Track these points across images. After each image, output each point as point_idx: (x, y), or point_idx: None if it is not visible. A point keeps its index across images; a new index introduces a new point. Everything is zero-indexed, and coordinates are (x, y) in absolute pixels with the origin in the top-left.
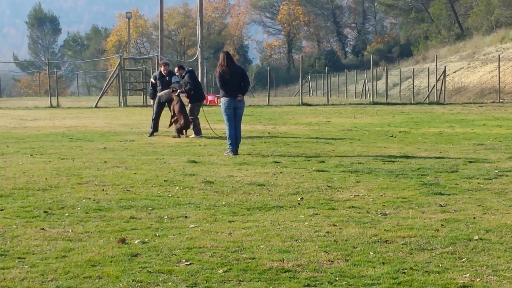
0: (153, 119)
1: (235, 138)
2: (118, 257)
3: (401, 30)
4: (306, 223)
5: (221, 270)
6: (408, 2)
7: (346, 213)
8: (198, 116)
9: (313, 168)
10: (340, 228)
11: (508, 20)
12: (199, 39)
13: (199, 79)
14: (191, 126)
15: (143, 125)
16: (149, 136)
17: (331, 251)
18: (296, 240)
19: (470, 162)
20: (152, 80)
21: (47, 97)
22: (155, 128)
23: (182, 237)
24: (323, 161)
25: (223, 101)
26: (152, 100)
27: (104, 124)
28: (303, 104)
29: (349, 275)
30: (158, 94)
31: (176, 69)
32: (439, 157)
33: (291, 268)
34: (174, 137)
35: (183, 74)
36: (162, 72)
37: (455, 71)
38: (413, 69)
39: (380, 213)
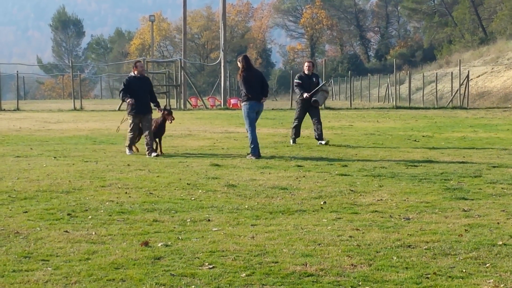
0: (295, 126)
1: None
2: (141, 260)
3: (424, 34)
4: (329, 227)
5: (244, 274)
6: (432, 6)
7: (369, 217)
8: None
9: (336, 172)
10: (363, 233)
11: None
12: (222, 42)
13: (222, 83)
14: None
15: (166, 128)
16: (292, 143)
17: (354, 255)
18: (319, 244)
19: (494, 167)
20: (298, 80)
21: (70, 99)
22: (297, 133)
23: (205, 240)
24: (346, 165)
25: (247, 104)
26: (306, 94)
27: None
28: (326, 108)
29: (372, 279)
30: (314, 98)
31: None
32: (462, 162)
33: (314, 272)
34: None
35: None
36: (306, 72)
37: (479, 76)
38: (436, 73)
39: (403, 218)
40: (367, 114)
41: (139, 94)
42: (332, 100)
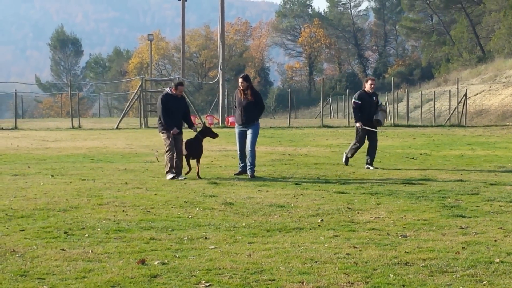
0: (356, 148)
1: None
2: (137, 278)
3: (422, 53)
4: (326, 245)
5: None
6: (430, 25)
7: (366, 235)
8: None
9: (334, 190)
10: (360, 250)
11: None
12: (221, 61)
13: (220, 101)
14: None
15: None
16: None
17: (351, 273)
18: (316, 262)
19: (491, 184)
20: (357, 100)
21: (68, 118)
22: (352, 155)
23: (201, 258)
24: (343, 183)
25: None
26: (359, 124)
27: (125, 146)
28: (324, 126)
29: None
30: (376, 117)
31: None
32: (460, 180)
33: None
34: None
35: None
36: (367, 91)
37: (477, 94)
38: (434, 91)
39: (401, 235)
40: None
41: (174, 114)
42: (330, 118)
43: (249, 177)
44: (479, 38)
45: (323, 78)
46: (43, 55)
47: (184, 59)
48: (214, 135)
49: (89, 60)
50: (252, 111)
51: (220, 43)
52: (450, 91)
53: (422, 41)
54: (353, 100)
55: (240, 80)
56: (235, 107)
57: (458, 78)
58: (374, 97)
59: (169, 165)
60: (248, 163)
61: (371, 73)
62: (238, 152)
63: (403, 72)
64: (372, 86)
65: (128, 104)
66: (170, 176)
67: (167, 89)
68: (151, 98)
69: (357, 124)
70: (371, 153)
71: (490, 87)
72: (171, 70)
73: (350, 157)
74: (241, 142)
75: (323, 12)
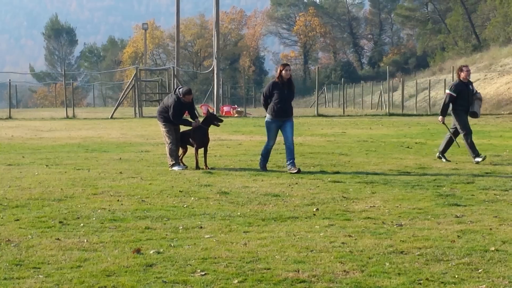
0: (466, 136)
1: None
2: (133, 267)
3: (417, 41)
4: (321, 234)
5: (236, 281)
6: (425, 13)
7: (361, 224)
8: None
9: (329, 179)
10: (355, 239)
11: None
12: (215, 50)
13: (215, 91)
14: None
15: (158, 135)
16: (478, 160)
17: (346, 261)
18: (311, 251)
19: (487, 173)
20: (452, 93)
21: (63, 108)
22: (475, 149)
23: (197, 247)
24: (338, 172)
25: None
26: (441, 118)
27: (119, 135)
28: (319, 115)
29: (365, 286)
30: (472, 110)
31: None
32: (455, 168)
33: (306, 279)
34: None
35: None
36: (463, 79)
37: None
38: (430, 80)
39: (396, 224)
40: (360, 121)
41: (182, 114)
42: (325, 107)
43: (296, 172)
44: (475, 27)
45: (318, 67)
46: (38, 44)
47: (178, 48)
48: (218, 121)
49: (83, 50)
50: (291, 102)
51: (215, 32)
52: (445, 79)
53: (417, 29)
54: (447, 91)
55: (287, 68)
56: (265, 98)
57: (453, 67)
58: (470, 86)
59: (174, 156)
60: (289, 159)
61: (366, 61)
62: (268, 148)
63: (398, 60)
64: (469, 73)
65: (122, 93)
66: (176, 167)
67: (178, 93)
68: (146, 87)
69: (439, 118)
70: (449, 143)
71: (485, 75)
72: (165, 59)
73: (477, 153)
74: (275, 138)
75: (318, 1)
